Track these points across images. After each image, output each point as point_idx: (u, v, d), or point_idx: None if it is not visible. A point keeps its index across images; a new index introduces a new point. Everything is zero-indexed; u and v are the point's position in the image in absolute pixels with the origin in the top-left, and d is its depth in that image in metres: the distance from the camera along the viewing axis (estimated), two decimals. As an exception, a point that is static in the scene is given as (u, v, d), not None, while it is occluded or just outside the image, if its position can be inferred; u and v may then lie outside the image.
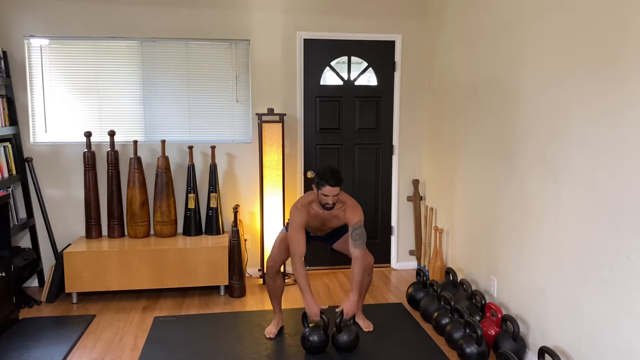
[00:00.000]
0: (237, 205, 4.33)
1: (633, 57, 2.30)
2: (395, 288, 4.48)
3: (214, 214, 4.47)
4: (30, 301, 4.04)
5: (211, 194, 4.46)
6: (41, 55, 4.35)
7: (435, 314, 3.55)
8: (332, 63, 4.74)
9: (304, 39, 4.65)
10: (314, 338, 3.22)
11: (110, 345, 3.40)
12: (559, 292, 2.86)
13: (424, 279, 3.98)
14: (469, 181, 3.96)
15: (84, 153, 4.30)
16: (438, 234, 4.40)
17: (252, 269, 4.79)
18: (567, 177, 2.78)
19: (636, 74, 2.29)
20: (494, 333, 3.23)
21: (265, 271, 4.33)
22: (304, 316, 3.32)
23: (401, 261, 5.02)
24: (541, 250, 3.02)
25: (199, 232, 4.51)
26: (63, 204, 4.47)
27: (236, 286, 4.22)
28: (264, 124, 4.43)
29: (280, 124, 4.45)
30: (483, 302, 3.52)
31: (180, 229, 4.62)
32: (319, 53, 4.69)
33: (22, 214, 4.38)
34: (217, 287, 4.42)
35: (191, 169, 4.44)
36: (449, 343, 3.30)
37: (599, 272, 2.54)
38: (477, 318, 3.44)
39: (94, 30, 4.36)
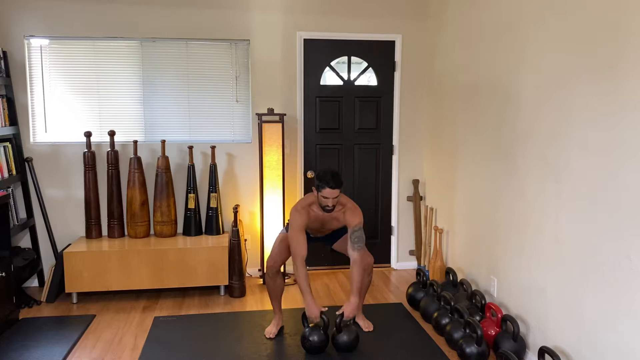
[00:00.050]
0: (237, 205, 4.33)
1: (633, 57, 2.30)
2: (395, 288, 4.48)
3: (214, 214, 4.47)
4: (30, 301, 4.04)
5: (211, 194, 4.46)
6: (41, 55, 4.35)
7: (435, 314, 3.55)
8: (332, 63, 4.74)
9: (304, 39, 4.65)
10: (314, 338, 3.22)
11: (110, 345, 3.40)
12: (559, 292, 2.86)
13: (424, 279, 3.98)
14: (469, 181, 3.96)
15: (84, 153, 4.30)
16: (438, 234, 4.40)
17: (252, 269, 4.79)
18: (567, 177, 2.78)
19: (636, 74, 2.29)
20: (494, 333, 3.24)
21: (265, 271, 4.33)
22: (304, 316, 3.32)
23: (401, 261, 5.02)
24: (541, 250, 3.02)
25: (199, 232, 4.51)
26: (63, 204, 4.47)
27: (236, 286, 4.22)
28: (264, 124, 4.43)
29: (280, 124, 4.45)
30: (483, 302, 3.52)
31: (180, 229, 4.62)
32: (319, 53, 4.69)
33: (22, 214, 4.38)
34: (217, 287, 4.42)
35: (191, 169, 4.44)
36: (449, 343, 3.30)
37: (599, 272, 2.55)
38: (477, 318, 3.44)
39: (94, 30, 4.36)
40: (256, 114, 4.53)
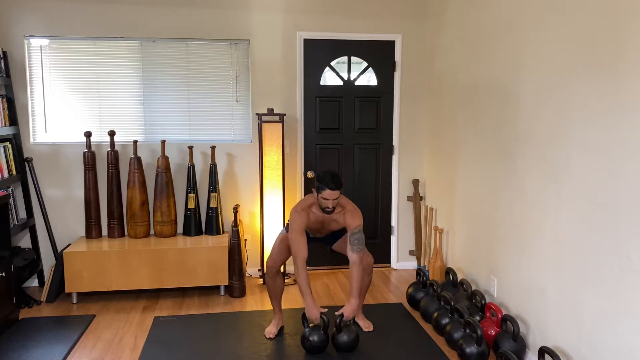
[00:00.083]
0: (237, 205, 4.33)
1: (633, 57, 2.30)
2: (395, 288, 4.48)
3: (214, 214, 4.47)
4: (30, 301, 4.04)
5: (211, 194, 4.46)
6: (41, 55, 4.35)
7: (435, 314, 3.55)
8: (332, 63, 4.74)
9: (304, 39, 4.65)
10: (314, 338, 3.22)
11: (110, 345, 3.40)
12: (559, 292, 2.86)
13: (424, 279, 3.98)
14: (469, 181, 3.96)
15: (84, 153, 4.30)
16: (438, 234, 4.40)
17: (252, 269, 4.79)
18: (567, 177, 2.78)
19: (636, 74, 2.29)
20: (494, 333, 3.24)
21: (265, 271, 4.33)
22: (304, 316, 3.32)
23: (401, 261, 5.02)
24: (541, 250, 3.02)
25: (199, 232, 4.51)
26: (63, 204, 4.47)
27: (236, 286, 4.22)
28: (264, 124, 4.43)
29: (280, 124, 4.45)
30: (483, 302, 3.52)
31: (180, 229, 4.62)
32: (319, 53, 4.69)
33: (22, 214, 4.38)
34: (217, 287, 4.42)
35: (191, 169, 4.44)
36: (449, 343, 3.30)
37: (599, 272, 2.54)
38: (477, 318, 3.44)
39: (94, 30, 4.36)
40: (256, 114, 4.53)
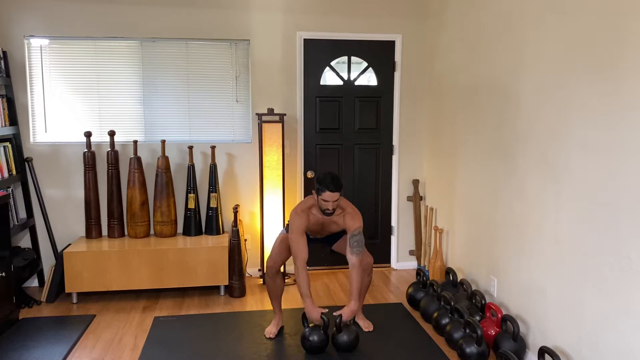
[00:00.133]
0: (237, 205, 4.33)
1: (633, 57, 2.30)
2: (395, 288, 4.48)
3: (214, 214, 4.47)
4: (30, 301, 4.04)
5: (211, 194, 4.46)
6: (41, 55, 4.35)
7: (435, 314, 3.55)
8: (332, 63, 4.74)
9: (304, 39, 4.65)
10: (314, 338, 3.22)
11: (110, 345, 3.40)
12: (559, 292, 2.86)
13: (424, 279, 3.98)
14: (469, 181, 3.96)
15: (84, 153, 4.30)
16: (438, 234, 4.40)
17: (252, 269, 4.79)
18: (567, 177, 2.78)
19: (636, 74, 2.29)
20: (494, 333, 3.24)
21: (265, 271, 4.33)
22: (304, 316, 3.32)
23: (401, 261, 5.02)
24: (541, 250, 3.02)
25: (199, 232, 4.51)
26: (63, 204, 4.47)
27: (236, 286, 4.22)
28: (264, 124, 4.43)
29: (280, 124, 4.45)
30: (483, 302, 3.52)
31: (180, 229, 4.62)
32: (319, 53, 4.69)
33: (22, 214, 4.38)
34: (217, 287, 4.42)
35: (191, 169, 4.44)
36: (449, 343, 3.30)
37: (599, 272, 2.54)
38: (477, 318, 3.44)
39: (94, 30, 4.36)
40: (256, 114, 4.53)
